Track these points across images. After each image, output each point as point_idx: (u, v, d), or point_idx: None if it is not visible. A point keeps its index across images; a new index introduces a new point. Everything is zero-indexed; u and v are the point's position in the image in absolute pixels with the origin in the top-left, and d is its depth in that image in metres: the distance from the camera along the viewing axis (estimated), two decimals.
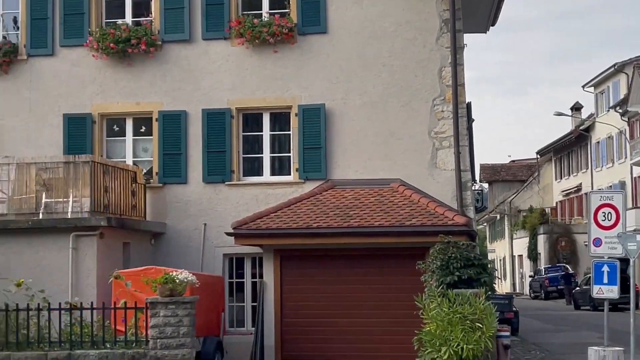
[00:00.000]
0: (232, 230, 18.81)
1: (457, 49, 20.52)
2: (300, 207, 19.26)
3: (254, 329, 19.33)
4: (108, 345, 15.29)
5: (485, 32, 26.11)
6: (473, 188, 23.32)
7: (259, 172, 21.35)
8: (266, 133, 21.42)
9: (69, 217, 18.48)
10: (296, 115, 21.01)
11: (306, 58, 21.13)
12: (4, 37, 21.91)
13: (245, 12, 21.47)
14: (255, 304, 20.03)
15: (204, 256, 20.76)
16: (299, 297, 18.81)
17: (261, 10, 21.49)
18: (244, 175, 21.30)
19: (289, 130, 21.24)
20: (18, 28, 22.01)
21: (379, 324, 18.40)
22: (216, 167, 21.09)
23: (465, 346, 14.37)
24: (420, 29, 20.86)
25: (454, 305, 14.80)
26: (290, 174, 21.12)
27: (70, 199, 18.64)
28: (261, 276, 19.56)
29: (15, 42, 21.85)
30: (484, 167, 74.50)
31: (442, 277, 15.99)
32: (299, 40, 21.16)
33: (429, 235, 17.67)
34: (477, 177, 61.75)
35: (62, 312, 15.55)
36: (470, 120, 21.72)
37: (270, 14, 21.32)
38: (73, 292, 17.79)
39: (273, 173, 21.32)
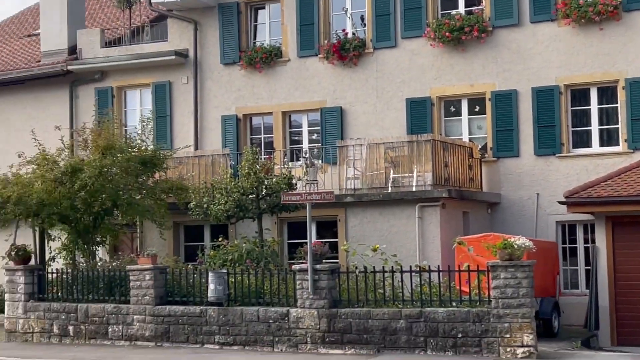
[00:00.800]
0: (564, 199, 18.29)
1: None
2: (630, 176, 18.31)
3: (588, 290, 18.74)
4: (454, 304, 15.41)
5: None
6: None
7: (587, 143, 20.63)
8: (594, 107, 20.59)
9: (414, 190, 18.92)
10: (623, 88, 19.99)
11: (632, 33, 20.03)
12: (353, 34, 22.66)
13: None
14: (588, 267, 19.49)
15: (537, 223, 20.41)
16: (631, 261, 17.86)
17: None
18: (573, 147, 20.65)
19: (616, 103, 20.26)
20: (364, 25, 22.70)
21: None
22: (546, 141, 20.61)
23: None
24: None
25: None
26: (618, 145, 20.19)
27: (415, 174, 19.04)
28: (593, 241, 18.90)
29: (362, 37, 22.57)
30: None
31: None
32: (624, 16, 20.09)
33: None
34: None
35: (413, 274, 15.89)
36: None
37: None
38: (420, 256, 18.19)
39: (602, 144, 20.49)
